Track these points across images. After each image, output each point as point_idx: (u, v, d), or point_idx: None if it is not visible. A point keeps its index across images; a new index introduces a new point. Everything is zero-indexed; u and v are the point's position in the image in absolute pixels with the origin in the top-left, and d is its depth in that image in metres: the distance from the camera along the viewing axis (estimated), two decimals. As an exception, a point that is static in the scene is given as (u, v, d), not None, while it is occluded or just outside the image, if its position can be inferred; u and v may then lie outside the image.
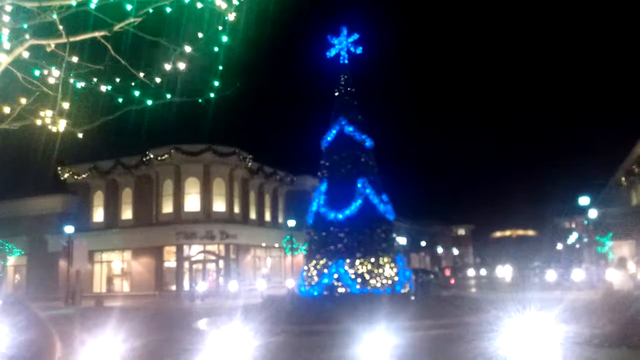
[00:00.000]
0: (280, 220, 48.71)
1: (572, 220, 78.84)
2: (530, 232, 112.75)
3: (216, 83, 6.23)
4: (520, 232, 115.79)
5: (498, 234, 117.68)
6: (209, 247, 39.98)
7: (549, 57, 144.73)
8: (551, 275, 40.00)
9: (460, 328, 15.26)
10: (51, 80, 5.07)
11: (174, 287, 38.81)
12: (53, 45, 4.83)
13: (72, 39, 4.66)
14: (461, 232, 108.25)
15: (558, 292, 25.84)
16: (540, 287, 32.22)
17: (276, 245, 45.51)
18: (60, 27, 4.59)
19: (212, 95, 6.32)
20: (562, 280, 37.24)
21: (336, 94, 23.66)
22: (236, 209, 42.52)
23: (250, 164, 43.39)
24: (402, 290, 21.02)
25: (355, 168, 22.26)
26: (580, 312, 15.87)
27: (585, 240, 51.56)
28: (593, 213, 36.64)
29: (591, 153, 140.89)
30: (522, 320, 8.66)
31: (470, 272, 72.36)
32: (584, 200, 35.30)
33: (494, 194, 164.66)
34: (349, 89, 23.60)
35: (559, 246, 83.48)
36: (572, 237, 73.43)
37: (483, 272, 72.15)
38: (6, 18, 4.91)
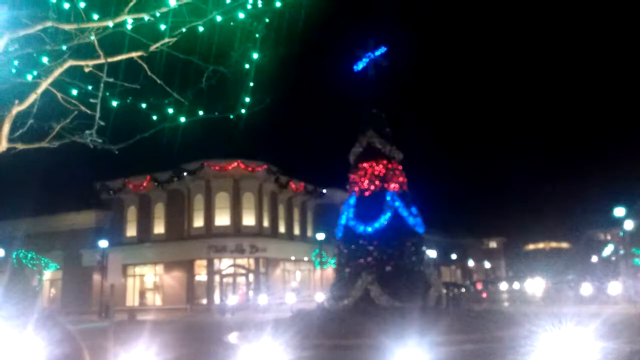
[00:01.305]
0: (309, 233, 48.72)
1: (607, 232, 77.03)
2: (564, 245, 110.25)
3: (247, 99, 6.32)
4: (554, 244, 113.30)
5: (531, 246, 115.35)
6: (239, 261, 40.24)
7: (584, 65, 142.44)
8: (586, 288, 39.01)
9: (494, 343, 14.97)
10: (88, 100, 5.23)
11: (204, 301, 39.11)
12: (91, 66, 4.99)
13: (110, 60, 4.81)
14: (493, 244, 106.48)
15: (594, 306, 25.19)
16: (575, 301, 31.43)
17: (305, 258, 45.51)
18: (99, 49, 4.74)
19: (242, 111, 6.42)
20: (598, 294, 36.27)
21: (364, 106, 23.69)
22: (265, 223, 42.74)
23: (279, 177, 43.65)
24: (433, 305, 20.75)
25: (384, 181, 22.18)
26: (618, 327, 15.45)
27: (622, 252, 50.25)
28: (629, 224, 35.70)
29: (626, 162, 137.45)
30: (557, 335, 8.47)
31: (503, 285, 70.95)
32: (619, 212, 34.41)
33: (526, 206, 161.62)
34: (376, 101, 23.61)
35: (594, 259, 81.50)
36: (608, 249, 71.67)
37: (516, 285, 70.69)
38: (46, 40, 5.09)
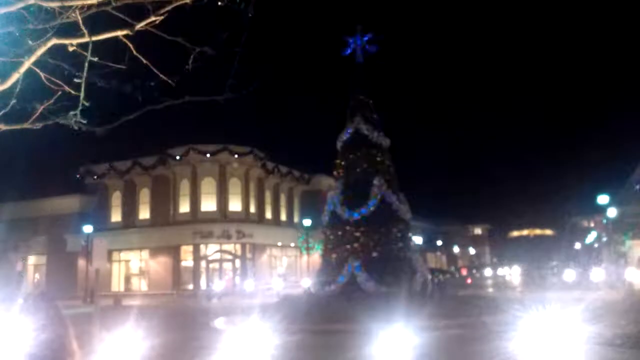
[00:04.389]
0: (296, 219, 48.78)
1: (591, 219, 77.98)
2: (548, 232, 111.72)
3: (234, 82, 6.24)
4: (538, 231, 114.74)
5: (515, 233, 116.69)
6: (225, 247, 40.20)
7: (567, 54, 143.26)
8: (570, 274, 39.55)
9: (478, 328, 15.15)
10: (72, 80, 5.12)
11: (191, 286, 39.08)
12: (75, 45, 4.88)
13: (94, 38, 4.70)
14: (478, 231, 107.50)
15: (577, 292, 25.55)
16: (559, 287, 31.87)
17: (292, 244, 45.59)
18: (83, 27, 4.63)
19: (229, 94, 6.33)
20: (581, 280, 36.81)
21: (351, 92, 23.63)
22: (252, 209, 42.68)
23: (265, 163, 43.53)
24: (419, 290, 20.91)
25: (371, 167, 22.21)
26: (601, 312, 15.69)
27: (604, 239, 50.97)
28: (612, 212, 36.15)
29: (610, 151, 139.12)
30: (541, 320, 8.57)
31: (487, 271, 71.77)
32: (602, 199, 34.81)
33: (511, 193, 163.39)
34: (364, 87, 23.55)
35: (577, 245, 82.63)
36: (591, 237, 72.63)
37: (500, 271, 71.54)
38: (28, 18, 4.97)
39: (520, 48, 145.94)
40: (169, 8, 4.82)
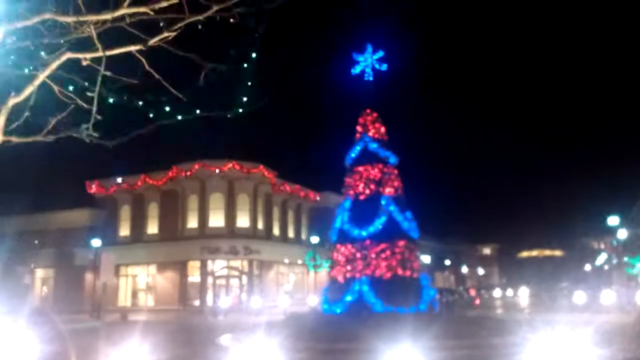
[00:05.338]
0: (303, 236, 48.68)
1: (601, 241, 77.28)
2: (558, 252, 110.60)
3: (244, 98, 6.29)
4: (548, 252, 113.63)
5: (524, 253, 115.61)
6: (233, 263, 40.14)
7: (578, 72, 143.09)
8: (579, 296, 39.09)
9: (486, 349, 14.95)
10: (85, 94, 5.18)
11: (197, 302, 38.97)
12: (89, 59, 4.95)
13: (108, 53, 4.76)
14: (486, 251, 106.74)
15: (587, 314, 25.22)
16: (569, 309, 31.48)
17: (299, 261, 45.45)
18: (97, 42, 4.70)
19: (240, 110, 6.38)
20: (591, 302, 36.34)
21: (360, 109, 23.69)
22: (260, 225, 42.67)
23: (274, 179, 43.61)
24: (426, 310, 20.73)
25: (379, 185, 22.17)
26: (611, 335, 15.45)
27: (615, 261, 50.43)
28: (622, 233, 35.82)
29: (621, 171, 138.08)
30: (550, 342, 8.46)
31: (496, 292, 71.06)
32: (613, 220, 34.53)
33: (520, 213, 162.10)
34: (373, 104, 23.61)
35: (587, 267, 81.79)
36: (601, 258, 71.88)
37: (509, 292, 70.84)
38: (43, 33, 5.05)
39: (530, 65, 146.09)
40: (181, 24, 4.89)
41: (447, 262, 77.11)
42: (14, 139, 5.19)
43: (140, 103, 5.85)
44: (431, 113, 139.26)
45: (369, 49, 23.93)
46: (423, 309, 20.42)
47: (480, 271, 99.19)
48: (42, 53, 4.96)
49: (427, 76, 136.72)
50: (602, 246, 75.39)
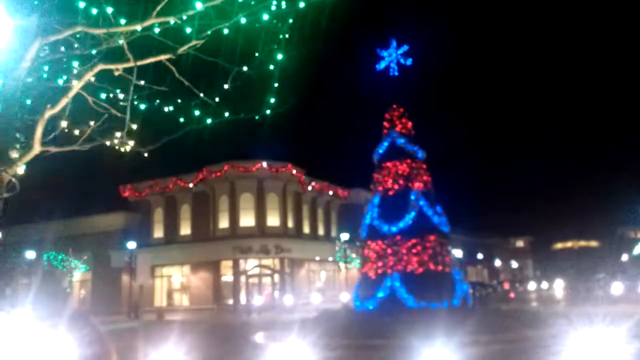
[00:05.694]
0: (333, 234, 48.74)
1: (638, 230, 75.39)
2: (594, 243, 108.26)
3: (272, 100, 6.37)
4: (583, 243, 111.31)
5: (559, 245, 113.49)
6: (264, 262, 40.45)
7: (612, 63, 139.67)
8: (617, 287, 38.20)
9: (522, 343, 14.78)
10: (118, 103, 5.33)
11: (231, 301, 39.41)
12: (121, 70, 5.09)
13: (139, 63, 4.89)
14: (520, 244, 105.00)
15: (625, 306, 24.67)
16: (606, 301, 30.82)
17: (330, 259, 45.53)
18: (128, 52, 4.83)
19: (267, 112, 6.46)
20: (629, 293, 35.50)
21: (387, 105, 23.61)
22: (290, 223, 42.88)
23: (303, 178, 43.76)
24: (459, 304, 20.57)
25: (408, 180, 22.06)
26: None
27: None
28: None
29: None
30: (589, 335, 8.32)
31: (531, 285, 69.94)
32: (650, 209, 33.61)
33: (554, 204, 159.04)
34: (399, 100, 23.50)
35: (625, 257, 79.89)
36: (638, 248, 70.14)
37: (544, 285, 69.70)
38: (75, 45, 5.20)
39: (564, 52, 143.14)
40: (209, 32, 4.98)
41: (480, 256, 76.21)
42: (52, 149, 5.36)
43: (171, 109, 5.98)
44: (459, 105, 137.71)
45: (394, 43, 23.80)
46: (456, 304, 20.26)
47: (514, 264, 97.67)
48: (75, 64, 5.12)
49: (454, 69, 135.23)
50: (639, 235, 73.58)
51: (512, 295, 50.68)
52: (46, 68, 5.48)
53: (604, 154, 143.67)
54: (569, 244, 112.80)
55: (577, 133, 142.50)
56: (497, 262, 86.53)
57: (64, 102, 4.96)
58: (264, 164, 40.78)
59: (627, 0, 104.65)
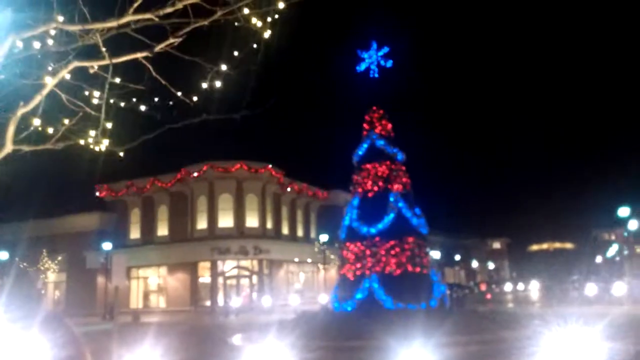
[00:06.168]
0: (312, 235, 48.72)
1: (612, 232, 76.90)
2: (568, 245, 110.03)
3: (250, 100, 6.32)
4: (558, 244, 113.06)
5: (535, 247, 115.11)
6: (243, 263, 40.25)
7: (586, 66, 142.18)
8: (591, 289, 38.86)
9: (499, 344, 14.92)
10: (94, 101, 5.23)
11: (208, 303, 39.12)
12: (96, 67, 4.99)
13: (115, 61, 4.80)
14: (496, 245, 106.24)
15: (599, 307, 25.10)
16: (580, 302, 31.32)
17: (309, 260, 45.50)
18: (104, 50, 4.74)
19: (246, 112, 6.41)
20: (603, 294, 36.14)
21: (366, 107, 23.66)
22: (269, 225, 42.74)
23: (282, 179, 43.66)
24: (437, 306, 20.69)
25: (387, 182, 22.15)
26: (624, 328, 15.37)
27: (626, 252, 50.09)
28: (633, 224, 35.54)
29: (631, 162, 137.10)
30: (563, 335, 8.43)
31: (507, 286, 70.79)
32: (623, 211, 34.25)
33: (529, 207, 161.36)
34: (379, 101, 23.58)
35: (599, 259, 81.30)
36: (612, 250, 71.48)
37: (520, 286, 70.60)
38: (50, 41, 5.09)
39: (540, 58, 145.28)
40: (187, 30, 4.92)
41: (457, 258, 76.89)
42: (25, 148, 5.24)
43: (148, 108, 5.89)
44: (438, 108, 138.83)
45: (374, 45, 23.86)
46: (434, 305, 20.38)
47: (491, 265, 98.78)
48: (49, 62, 5.01)
49: (433, 72, 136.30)
50: (613, 238, 75.01)
51: (488, 296, 51.25)
52: (19, 65, 5.36)
53: (580, 158, 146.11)
54: (544, 246, 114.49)
55: (553, 137, 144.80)
56: (475, 264, 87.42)
57: (37, 99, 4.85)
58: (243, 164, 40.57)
59: None
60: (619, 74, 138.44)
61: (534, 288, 65.60)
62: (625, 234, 42.32)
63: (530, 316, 19.01)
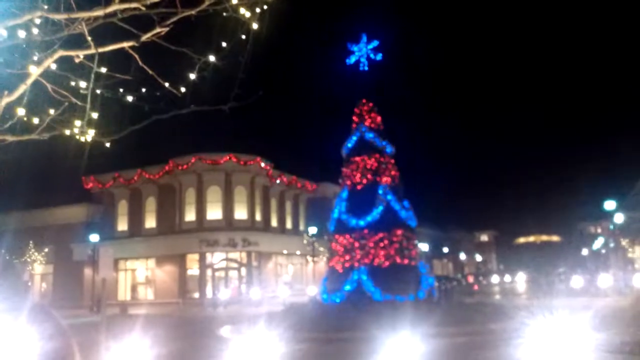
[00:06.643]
0: (301, 227, 48.72)
1: (598, 225, 77.72)
2: (555, 238, 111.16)
3: (238, 91, 6.27)
4: (545, 237, 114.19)
5: (522, 239, 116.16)
6: (231, 255, 40.18)
7: (576, 59, 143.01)
8: (577, 281, 39.32)
9: (486, 335, 15.07)
10: (79, 91, 5.16)
11: (197, 295, 39.05)
12: (82, 57, 4.92)
13: (100, 50, 4.74)
14: (484, 238, 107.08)
15: (585, 299, 25.39)
16: (566, 294, 31.68)
17: (298, 252, 45.53)
18: (89, 39, 4.67)
19: (234, 103, 6.36)
20: (588, 286, 36.58)
21: (356, 100, 23.67)
22: (257, 217, 42.67)
23: (271, 171, 43.57)
24: (425, 297, 20.84)
25: (376, 174, 22.20)
26: (609, 319, 15.56)
27: (612, 245, 50.72)
28: (619, 217, 35.97)
29: (617, 156, 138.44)
30: (549, 327, 8.52)
31: (494, 278, 71.39)
32: (609, 205, 34.62)
33: (517, 200, 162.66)
34: (369, 94, 23.59)
35: (585, 252, 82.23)
36: (598, 242, 72.30)
37: (507, 278, 71.23)
38: (35, 30, 5.02)
39: (527, 52, 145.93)
40: (174, 19, 4.86)
41: (445, 250, 77.38)
42: (9, 138, 5.17)
43: (135, 98, 5.83)
44: (427, 101, 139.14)
45: (364, 38, 23.85)
46: (422, 297, 20.53)
47: (478, 258, 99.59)
48: (35, 51, 4.93)
49: (422, 65, 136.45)
50: (599, 230, 75.82)
51: (476, 288, 51.67)
52: (4, 54, 5.27)
53: (567, 152, 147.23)
54: (531, 239, 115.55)
55: (541, 131, 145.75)
56: (462, 256, 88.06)
57: (22, 89, 4.77)
58: (232, 156, 40.42)
59: None
60: (607, 69, 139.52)
61: (521, 280, 66.25)
62: (611, 227, 42.82)
63: (516, 308, 19.18)
